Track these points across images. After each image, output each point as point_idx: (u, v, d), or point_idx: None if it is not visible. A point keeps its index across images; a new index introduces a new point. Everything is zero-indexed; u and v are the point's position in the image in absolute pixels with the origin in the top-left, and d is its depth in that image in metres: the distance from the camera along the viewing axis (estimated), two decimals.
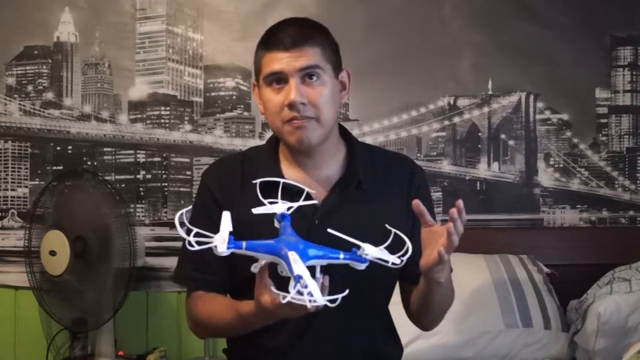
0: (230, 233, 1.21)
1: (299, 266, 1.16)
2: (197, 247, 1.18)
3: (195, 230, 1.19)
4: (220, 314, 1.49)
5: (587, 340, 2.24)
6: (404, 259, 1.24)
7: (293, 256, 1.18)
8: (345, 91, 1.59)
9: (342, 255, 1.24)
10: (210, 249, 1.54)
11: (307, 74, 1.48)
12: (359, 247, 1.25)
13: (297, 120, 1.48)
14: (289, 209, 1.31)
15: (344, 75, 1.58)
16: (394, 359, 1.68)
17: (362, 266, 1.24)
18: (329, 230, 1.23)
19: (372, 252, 1.23)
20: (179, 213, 1.24)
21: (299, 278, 1.14)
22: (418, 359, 2.20)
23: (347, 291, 1.17)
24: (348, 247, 1.27)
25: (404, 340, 1.73)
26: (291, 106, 1.47)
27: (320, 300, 1.12)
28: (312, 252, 1.22)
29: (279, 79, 1.49)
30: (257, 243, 1.22)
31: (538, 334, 2.32)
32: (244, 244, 1.21)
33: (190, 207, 1.29)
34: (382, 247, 1.25)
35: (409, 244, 1.25)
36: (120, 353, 2.60)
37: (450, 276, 1.51)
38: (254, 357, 1.60)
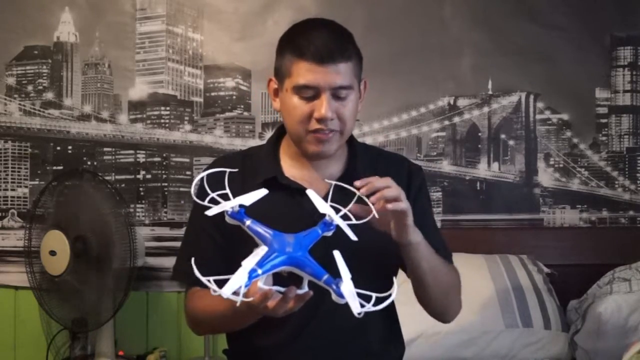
0: (242, 206, 1.24)
1: (251, 259, 1.16)
2: (213, 211, 1.23)
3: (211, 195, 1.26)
4: (215, 306, 1.48)
5: (587, 340, 2.24)
6: (362, 312, 1.18)
7: (261, 250, 1.18)
8: (360, 100, 1.59)
9: (324, 277, 1.20)
10: (209, 245, 1.55)
11: (338, 91, 1.49)
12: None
13: (323, 135, 1.50)
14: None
15: (362, 85, 1.59)
16: (394, 358, 1.68)
17: (340, 300, 1.20)
18: (334, 252, 1.23)
19: (345, 290, 1.19)
20: (197, 178, 1.28)
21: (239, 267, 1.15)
22: (418, 359, 2.20)
23: (251, 298, 1.19)
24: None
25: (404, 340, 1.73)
26: (320, 120, 1.48)
27: (225, 293, 1.12)
28: (292, 259, 1.20)
29: (309, 91, 1.48)
30: (258, 230, 1.23)
31: (538, 334, 2.32)
32: (248, 221, 1.23)
33: (205, 172, 1.29)
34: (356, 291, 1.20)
35: (394, 288, 1.22)
36: (120, 353, 2.60)
37: (426, 244, 1.48)
38: (254, 356, 1.60)
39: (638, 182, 2.86)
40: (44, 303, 2.53)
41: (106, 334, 2.55)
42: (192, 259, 1.17)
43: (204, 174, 1.28)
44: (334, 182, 1.41)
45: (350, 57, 1.50)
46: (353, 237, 1.28)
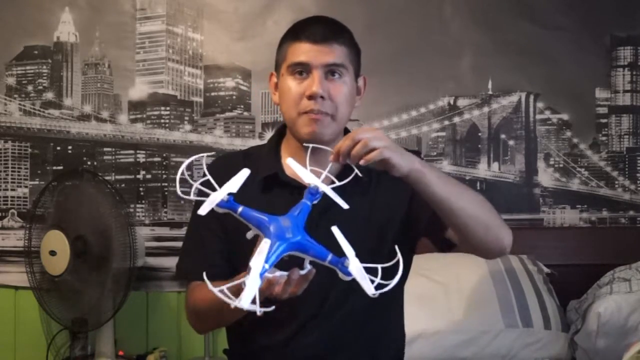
0: (231, 194, 1.19)
1: (258, 258, 1.12)
2: (205, 210, 1.18)
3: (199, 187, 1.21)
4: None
5: (587, 340, 2.24)
6: (377, 292, 1.13)
7: (265, 245, 1.14)
8: (359, 96, 1.60)
9: (329, 258, 1.17)
10: (212, 240, 1.55)
11: (331, 71, 1.51)
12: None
13: (314, 114, 1.50)
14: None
15: (361, 81, 1.60)
16: (396, 354, 1.68)
17: (346, 278, 1.16)
18: (333, 228, 1.19)
19: (353, 269, 1.14)
20: (183, 165, 1.24)
21: (249, 270, 1.10)
22: (418, 359, 2.20)
23: (272, 307, 1.10)
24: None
25: None
26: (311, 97, 1.49)
27: (244, 304, 1.06)
28: (294, 245, 1.16)
29: (302, 70, 1.51)
30: (251, 214, 1.19)
31: (538, 334, 2.32)
32: (240, 208, 1.19)
33: (184, 164, 1.25)
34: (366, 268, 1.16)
35: (399, 256, 1.17)
36: (120, 353, 2.60)
37: (432, 170, 1.40)
38: (255, 354, 1.60)
39: (638, 182, 2.86)
40: (44, 303, 2.53)
41: (106, 334, 2.55)
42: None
43: (183, 166, 1.24)
44: (311, 145, 1.37)
45: (345, 43, 1.53)
46: (344, 205, 1.24)
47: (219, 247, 1.56)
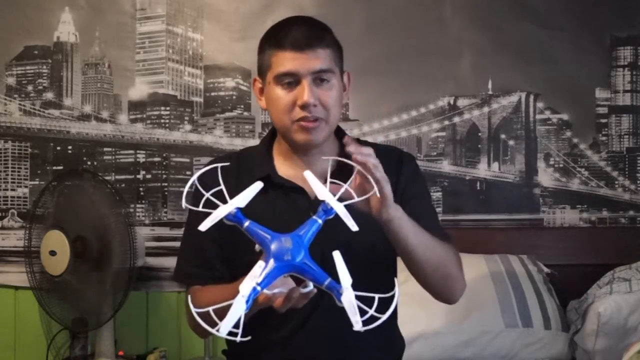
0: (239, 209, 1.17)
1: (248, 282, 1.10)
2: (206, 226, 1.15)
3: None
4: (222, 294, 1.46)
5: (587, 340, 2.24)
6: (362, 329, 1.10)
7: (258, 268, 1.12)
8: (345, 92, 1.60)
9: (326, 283, 1.15)
10: (209, 244, 1.55)
11: (319, 77, 1.50)
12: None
13: (308, 122, 1.50)
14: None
15: (345, 77, 1.61)
16: (395, 352, 1.68)
17: (340, 304, 1.13)
18: (334, 253, 1.16)
19: (345, 300, 1.12)
20: (188, 183, 1.21)
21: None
22: (418, 359, 2.20)
23: (248, 337, 1.09)
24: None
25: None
26: (303, 107, 1.49)
27: (223, 332, 1.06)
28: (291, 268, 1.14)
29: (290, 79, 1.50)
30: (255, 231, 1.17)
31: (538, 334, 2.32)
32: (247, 223, 1.17)
33: (196, 175, 1.22)
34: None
35: (397, 289, 1.15)
36: (120, 353, 2.60)
37: (408, 219, 1.42)
38: (254, 354, 1.60)
39: (638, 182, 2.86)
40: (44, 303, 2.53)
41: (106, 334, 2.55)
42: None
43: (195, 177, 1.21)
44: (331, 158, 1.34)
45: (329, 45, 1.52)
46: (354, 227, 1.19)
47: (217, 251, 1.57)
